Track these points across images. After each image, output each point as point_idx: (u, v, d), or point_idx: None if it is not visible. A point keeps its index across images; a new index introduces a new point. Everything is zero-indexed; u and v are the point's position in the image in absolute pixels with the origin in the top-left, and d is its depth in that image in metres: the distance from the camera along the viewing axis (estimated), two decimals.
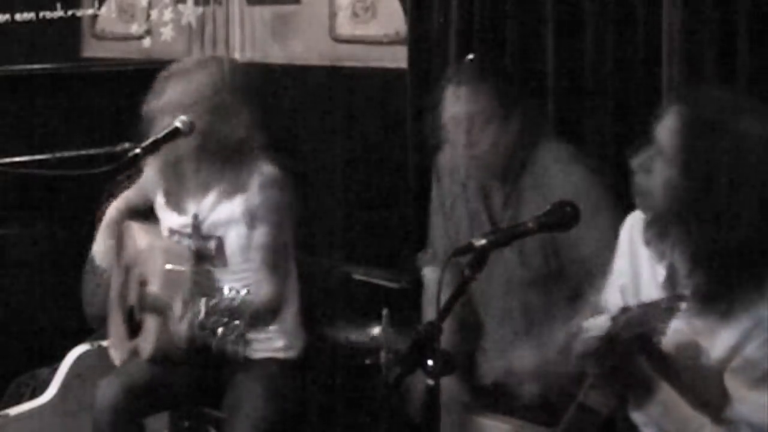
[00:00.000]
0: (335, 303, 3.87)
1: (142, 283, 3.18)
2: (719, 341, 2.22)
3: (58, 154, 3.91)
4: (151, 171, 3.31)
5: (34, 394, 3.77)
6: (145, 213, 3.42)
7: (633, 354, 2.18)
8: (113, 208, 3.40)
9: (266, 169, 3.18)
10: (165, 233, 3.33)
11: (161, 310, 3.02)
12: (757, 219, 2.16)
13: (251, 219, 3.13)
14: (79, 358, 3.72)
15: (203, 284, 3.04)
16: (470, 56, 3.19)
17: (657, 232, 2.29)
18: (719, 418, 2.20)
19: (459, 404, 2.91)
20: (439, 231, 3.18)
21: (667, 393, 2.20)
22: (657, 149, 2.26)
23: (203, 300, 2.72)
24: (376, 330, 3.05)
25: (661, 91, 3.08)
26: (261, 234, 3.13)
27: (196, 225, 3.21)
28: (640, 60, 3.23)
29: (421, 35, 3.85)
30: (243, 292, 2.70)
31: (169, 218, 3.32)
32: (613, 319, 2.17)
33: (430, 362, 2.19)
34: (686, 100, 2.31)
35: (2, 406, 3.74)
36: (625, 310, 2.18)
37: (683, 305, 2.15)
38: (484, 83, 2.91)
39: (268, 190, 3.14)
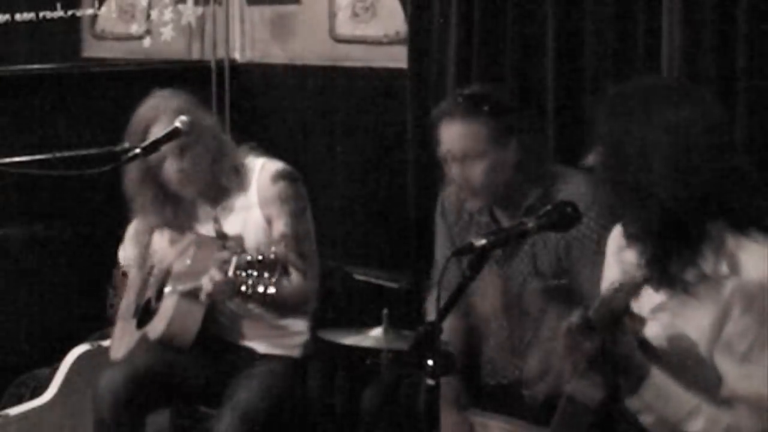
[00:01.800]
0: (335, 303, 3.87)
1: (168, 272, 3.20)
2: (695, 323, 2.23)
3: (58, 154, 3.90)
4: None
5: (34, 394, 3.77)
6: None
7: (614, 335, 2.17)
8: (137, 221, 3.42)
9: (272, 164, 3.23)
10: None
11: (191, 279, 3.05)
12: (673, 203, 2.17)
13: (268, 213, 3.16)
14: (79, 358, 3.72)
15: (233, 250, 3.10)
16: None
17: (628, 229, 2.31)
18: (715, 399, 2.21)
19: (459, 404, 2.91)
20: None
21: (658, 377, 2.21)
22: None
23: (234, 258, 2.78)
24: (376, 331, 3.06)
25: None
26: (280, 225, 3.14)
27: (218, 227, 3.24)
28: (640, 60, 3.24)
29: (421, 35, 3.85)
30: (271, 249, 2.75)
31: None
32: (586, 307, 2.18)
33: (430, 362, 2.19)
34: (609, 91, 2.37)
35: (2, 406, 3.74)
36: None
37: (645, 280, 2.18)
38: (476, 120, 2.85)
39: (280, 182, 3.18)
